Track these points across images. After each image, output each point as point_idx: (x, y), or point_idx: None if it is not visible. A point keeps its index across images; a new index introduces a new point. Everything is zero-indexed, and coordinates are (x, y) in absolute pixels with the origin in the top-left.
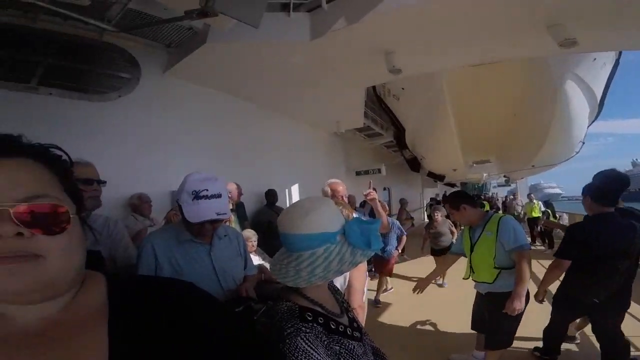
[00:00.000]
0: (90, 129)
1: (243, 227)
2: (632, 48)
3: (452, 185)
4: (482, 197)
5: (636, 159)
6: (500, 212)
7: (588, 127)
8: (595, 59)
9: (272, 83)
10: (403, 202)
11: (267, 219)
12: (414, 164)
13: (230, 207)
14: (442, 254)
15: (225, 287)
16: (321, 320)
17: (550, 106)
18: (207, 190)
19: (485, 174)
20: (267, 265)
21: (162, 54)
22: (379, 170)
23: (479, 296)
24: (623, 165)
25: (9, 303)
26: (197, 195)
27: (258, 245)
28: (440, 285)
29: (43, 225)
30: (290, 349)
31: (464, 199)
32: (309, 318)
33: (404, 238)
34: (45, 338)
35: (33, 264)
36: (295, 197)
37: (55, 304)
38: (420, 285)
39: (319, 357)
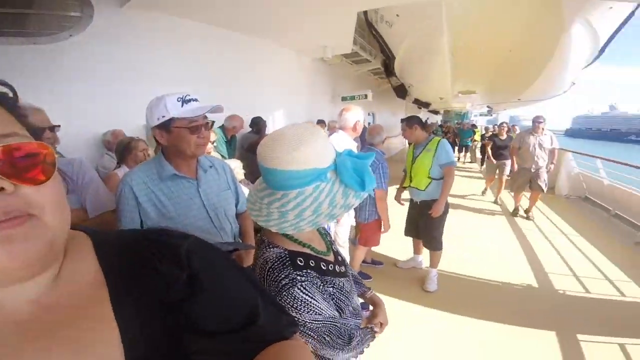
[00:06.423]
0: (46, 72)
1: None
2: None
3: (436, 112)
4: (442, 126)
5: (614, 104)
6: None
7: (582, 69)
8: (611, 7)
9: (252, 4)
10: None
11: (252, 143)
12: (401, 91)
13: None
14: None
15: (219, 225)
16: (312, 263)
17: (551, 47)
18: (189, 95)
19: (469, 104)
20: None
21: None
22: (366, 96)
23: (413, 206)
24: (601, 108)
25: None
26: (184, 100)
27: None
28: None
29: (24, 173)
30: (288, 301)
31: (417, 121)
32: (301, 264)
33: None
34: (42, 324)
35: (30, 225)
36: (280, 124)
37: (42, 279)
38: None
39: (318, 305)
